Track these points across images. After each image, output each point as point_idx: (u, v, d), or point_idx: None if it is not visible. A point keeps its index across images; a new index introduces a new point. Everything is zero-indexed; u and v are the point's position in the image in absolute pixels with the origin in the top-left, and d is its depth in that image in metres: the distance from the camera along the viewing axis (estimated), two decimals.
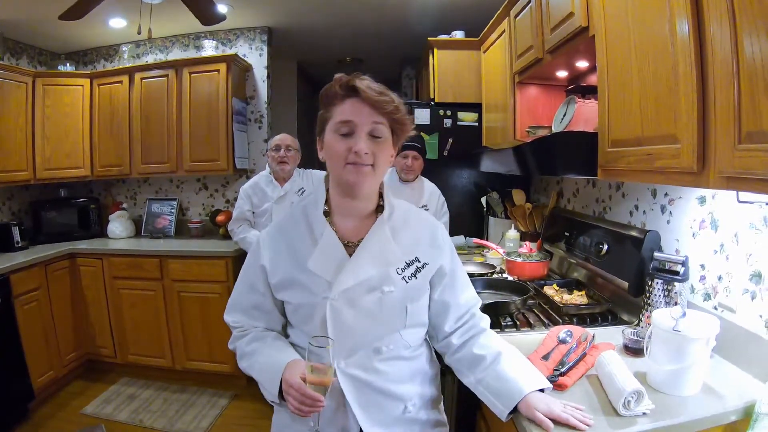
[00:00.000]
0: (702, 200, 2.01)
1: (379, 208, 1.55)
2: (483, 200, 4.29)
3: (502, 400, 1.46)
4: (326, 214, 1.52)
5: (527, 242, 3.34)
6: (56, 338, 4.23)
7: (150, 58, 5.35)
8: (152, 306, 4.43)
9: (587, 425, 1.36)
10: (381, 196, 1.56)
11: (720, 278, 1.90)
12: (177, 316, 4.39)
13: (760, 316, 1.68)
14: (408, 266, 1.50)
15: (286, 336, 1.61)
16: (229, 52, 5.09)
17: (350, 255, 1.46)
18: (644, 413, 1.43)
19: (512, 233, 3.57)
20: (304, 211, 1.56)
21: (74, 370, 4.49)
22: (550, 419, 1.37)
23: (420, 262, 1.52)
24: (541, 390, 1.47)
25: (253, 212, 3.91)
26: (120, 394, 4.24)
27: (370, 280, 1.45)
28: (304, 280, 1.47)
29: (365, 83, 1.38)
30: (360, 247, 1.47)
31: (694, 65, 1.36)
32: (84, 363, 4.63)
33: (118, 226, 5.02)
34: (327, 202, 1.54)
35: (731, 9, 1.19)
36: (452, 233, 3.80)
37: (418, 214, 1.64)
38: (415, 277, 1.51)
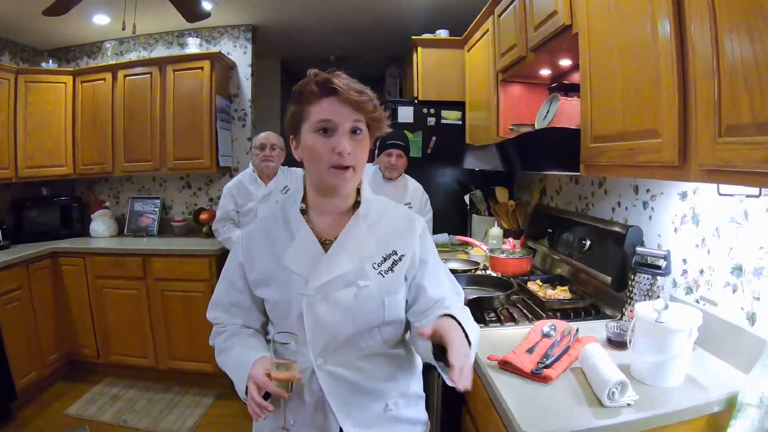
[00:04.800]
0: (683, 195, 2.04)
1: (356, 204, 1.54)
2: (466, 198, 4.31)
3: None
4: (303, 211, 1.52)
5: (510, 239, 3.36)
6: (38, 338, 4.19)
7: (133, 56, 5.32)
8: (135, 305, 4.40)
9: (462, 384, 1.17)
10: (358, 191, 1.56)
11: (702, 272, 1.93)
12: (160, 315, 4.37)
13: (742, 309, 1.71)
14: (385, 260, 1.50)
15: (266, 334, 1.62)
16: (213, 49, 5.09)
17: (326, 252, 1.46)
18: (628, 404, 1.46)
19: (495, 230, 3.59)
20: (283, 209, 1.57)
21: (57, 371, 4.45)
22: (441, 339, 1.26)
23: (397, 255, 1.52)
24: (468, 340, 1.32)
25: (238, 211, 3.89)
26: (103, 395, 4.21)
27: (345, 276, 1.45)
28: (281, 277, 1.47)
29: (344, 82, 1.36)
30: (335, 243, 1.47)
31: (675, 61, 1.38)
32: (67, 363, 4.59)
33: (100, 224, 4.99)
34: (305, 199, 1.54)
35: (712, 6, 1.21)
36: (436, 231, 3.83)
37: (395, 208, 1.64)
38: (392, 270, 1.50)
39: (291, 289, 1.45)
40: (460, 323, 1.34)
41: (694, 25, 1.30)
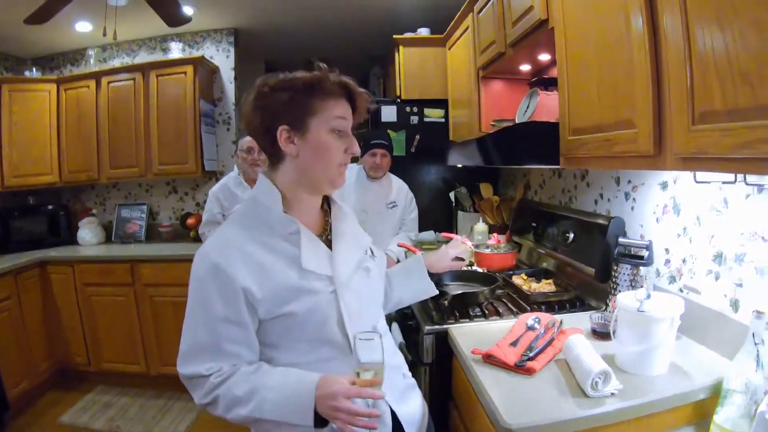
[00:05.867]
0: (664, 185, 2.06)
1: (324, 198, 1.58)
2: (451, 195, 4.33)
3: (421, 278, 1.73)
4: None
5: (495, 234, 3.37)
6: (29, 348, 4.18)
7: (117, 62, 5.31)
8: (125, 312, 4.39)
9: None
10: None
11: (684, 261, 1.95)
12: (150, 321, 4.36)
13: (725, 296, 1.73)
14: (369, 246, 1.63)
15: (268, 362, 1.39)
16: (196, 54, 5.08)
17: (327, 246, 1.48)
18: (612, 393, 1.47)
19: (480, 226, 3.61)
20: (252, 216, 1.42)
21: (49, 380, 4.44)
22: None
23: (369, 241, 1.67)
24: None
25: (224, 215, 3.86)
26: (96, 402, 4.20)
27: (357, 263, 1.50)
28: (302, 283, 1.35)
29: (358, 91, 1.42)
30: (335, 235, 1.50)
31: (649, 52, 1.40)
32: (58, 372, 4.57)
33: (88, 232, 4.98)
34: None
35: None
36: (422, 228, 3.83)
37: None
38: (374, 254, 1.63)
39: (318, 292, 1.37)
40: None
41: (665, 16, 1.32)
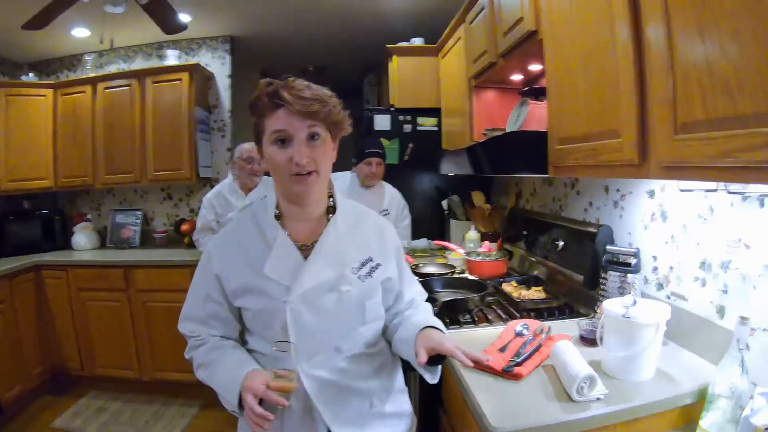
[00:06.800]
0: (651, 194, 2.08)
1: (330, 209, 1.56)
2: (444, 203, 4.34)
3: (410, 344, 1.48)
4: (278, 218, 1.52)
5: (487, 242, 3.39)
6: (22, 352, 4.17)
7: (113, 68, 5.32)
8: (118, 317, 4.39)
9: (473, 359, 1.39)
10: (331, 196, 1.58)
11: (671, 268, 1.97)
12: (143, 326, 4.36)
13: (711, 302, 1.75)
14: (363, 265, 1.53)
15: (244, 343, 1.60)
16: (192, 61, 5.11)
17: (305, 257, 1.47)
18: (598, 398, 1.48)
19: (472, 234, 3.63)
20: (254, 217, 1.56)
21: (42, 384, 4.42)
22: (437, 353, 1.41)
23: (373, 261, 1.55)
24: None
25: (218, 221, 3.88)
26: (89, 407, 4.19)
27: (327, 282, 1.46)
28: (261, 286, 1.46)
29: (293, 92, 1.35)
30: (315, 249, 1.48)
31: (633, 63, 1.42)
32: (51, 376, 4.55)
33: (82, 237, 4.98)
34: (278, 206, 1.54)
35: (666, 10, 1.25)
36: (415, 237, 3.85)
37: (367, 215, 1.67)
38: (370, 276, 1.53)
39: (273, 297, 1.45)
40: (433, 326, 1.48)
41: (650, 28, 1.34)
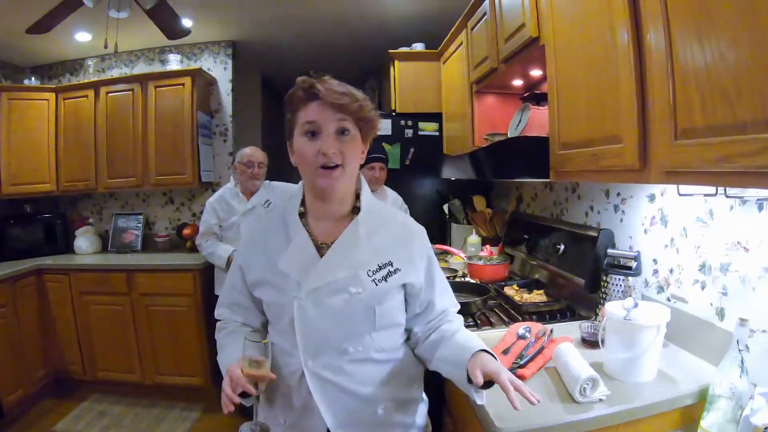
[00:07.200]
0: (652, 198, 2.11)
1: (356, 210, 1.57)
2: (445, 207, 4.36)
3: (459, 366, 1.44)
4: (302, 215, 1.55)
5: (488, 246, 3.41)
6: (24, 355, 4.17)
7: (115, 72, 5.34)
8: (120, 321, 4.38)
9: (528, 399, 1.26)
10: (358, 197, 1.59)
11: (671, 271, 2.00)
12: (145, 330, 4.36)
13: (711, 305, 1.78)
14: (380, 269, 1.50)
15: (267, 333, 1.64)
16: (194, 65, 5.13)
17: (322, 256, 1.48)
18: (600, 399, 1.50)
19: (473, 238, 3.65)
20: (282, 213, 1.60)
21: (43, 388, 4.41)
22: (489, 380, 1.33)
23: (393, 266, 1.52)
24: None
25: (221, 226, 3.91)
26: (90, 411, 4.20)
27: (337, 282, 1.46)
28: (275, 280, 1.50)
29: (326, 86, 1.40)
30: (331, 248, 1.48)
31: (634, 70, 1.45)
32: (53, 380, 4.55)
33: (84, 241, 4.99)
34: (303, 203, 1.58)
35: (666, 17, 1.28)
36: None
37: (395, 218, 1.67)
38: (385, 280, 1.50)
39: (284, 292, 1.47)
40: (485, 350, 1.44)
41: (650, 35, 1.37)
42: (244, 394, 1.38)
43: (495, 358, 1.41)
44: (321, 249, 1.50)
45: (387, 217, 1.63)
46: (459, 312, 1.73)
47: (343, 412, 1.49)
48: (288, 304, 1.46)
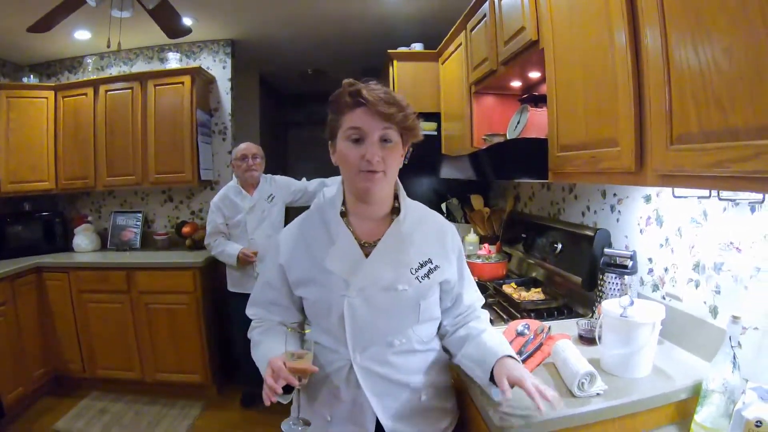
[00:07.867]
0: (647, 199, 2.15)
1: (395, 210, 1.62)
2: (443, 206, 4.36)
3: (483, 366, 1.52)
4: (343, 214, 1.59)
5: (486, 245, 3.44)
6: (24, 354, 4.17)
7: (114, 71, 5.34)
8: (120, 319, 4.39)
9: (547, 400, 1.33)
10: (396, 197, 1.64)
11: (666, 270, 2.04)
12: (145, 328, 4.37)
13: (704, 303, 1.82)
14: (422, 266, 1.57)
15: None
16: (194, 64, 5.13)
17: (366, 255, 1.53)
18: (598, 394, 1.54)
19: (472, 237, 3.68)
20: (321, 212, 1.64)
21: (43, 386, 4.43)
22: (515, 385, 1.40)
23: (432, 263, 1.59)
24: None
25: (227, 224, 3.94)
26: (91, 409, 4.20)
27: (385, 280, 1.52)
28: (321, 278, 1.54)
29: (374, 94, 1.42)
30: (376, 249, 1.54)
31: (631, 74, 1.48)
32: (53, 378, 4.55)
33: (83, 239, 4.99)
34: (344, 203, 1.61)
35: (663, 25, 1.32)
36: None
37: (431, 216, 1.72)
38: (428, 277, 1.57)
39: (331, 290, 1.53)
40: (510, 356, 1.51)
41: (647, 42, 1.40)
42: (284, 389, 1.41)
43: (518, 361, 1.50)
44: (364, 248, 1.55)
45: (424, 216, 1.69)
46: None
47: (391, 401, 1.56)
48: (336, 302, 1.52)
